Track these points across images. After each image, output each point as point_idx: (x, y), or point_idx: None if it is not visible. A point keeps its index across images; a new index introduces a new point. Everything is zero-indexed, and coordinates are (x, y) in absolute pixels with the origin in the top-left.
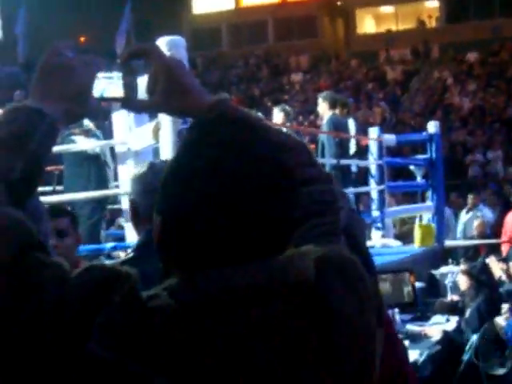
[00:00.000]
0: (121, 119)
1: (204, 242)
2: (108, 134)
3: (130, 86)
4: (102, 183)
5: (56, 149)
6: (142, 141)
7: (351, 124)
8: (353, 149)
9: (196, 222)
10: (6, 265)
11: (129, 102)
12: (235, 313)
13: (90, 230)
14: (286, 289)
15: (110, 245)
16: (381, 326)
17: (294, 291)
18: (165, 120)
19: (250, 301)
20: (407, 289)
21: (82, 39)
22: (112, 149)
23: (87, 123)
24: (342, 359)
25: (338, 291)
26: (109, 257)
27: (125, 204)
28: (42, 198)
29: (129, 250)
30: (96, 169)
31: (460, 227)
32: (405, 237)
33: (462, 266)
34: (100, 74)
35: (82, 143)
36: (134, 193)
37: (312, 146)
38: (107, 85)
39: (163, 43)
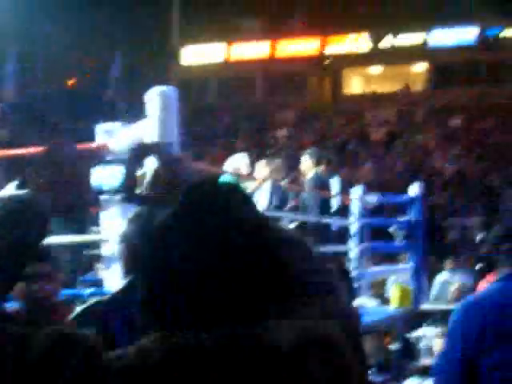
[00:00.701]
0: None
1: (187, 304)
2: None
3: (130, 180)
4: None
5: None
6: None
7: (335, 182)
8: (335, 207)
9: (180, 286)
10: None
11: (128, 195)
12: (203, 376)
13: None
14: (258, 356)
15: (88, 291)
16: None
17: (266, 359)
18: (152, 169)
19: (219, 365)
20: (383, 350)
21: (71, 82)
22: None
23: None
24: None
25: (313, 365)
26: (84, 302)
27: (105, 250)
28: None
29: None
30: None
31: (435, 290)
32: (381, 298)
33: (440, 329)
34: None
35: None
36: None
37: (294, 203)
38: (106, 177)
39: (155, 93)
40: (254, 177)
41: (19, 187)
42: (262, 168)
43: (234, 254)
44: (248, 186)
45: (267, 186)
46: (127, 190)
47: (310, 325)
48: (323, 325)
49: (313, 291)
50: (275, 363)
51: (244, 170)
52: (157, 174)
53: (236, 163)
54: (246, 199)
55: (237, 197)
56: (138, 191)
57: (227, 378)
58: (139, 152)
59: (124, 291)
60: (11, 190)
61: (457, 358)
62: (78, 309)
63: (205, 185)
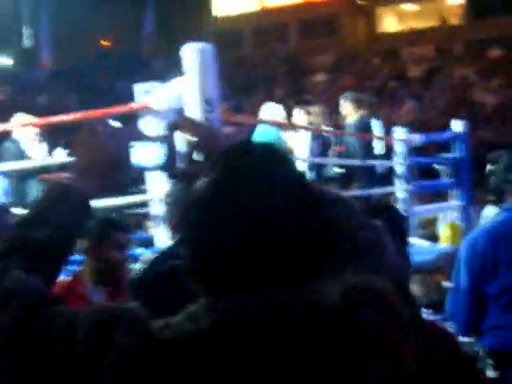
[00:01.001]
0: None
1: (233, 269)
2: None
3: (170, 156)
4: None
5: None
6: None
7: (376, 124)
8: (378, 149)
9: (227, 251)
10: (14, 324)
11: (170, 170)
12: (256, 339)
13: None
14: (310, 314)
15: (139, 250)
16: (414, 353)
17: (318, 316)
18: None
19: (272, 326)
20: (436, 289)
21: (104, 43)
22: None
23: None
24: (367, 380)
25: (364, 317)
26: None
27: (153, 208)
28: None
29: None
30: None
31: (484, 222)
32: (432, 237)
33: None
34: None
35: None
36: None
37: (338, 149)
38: (145, 153)
39: (192, 50)
40: (291, 124)
41: (68, 154)
42: (301, 115)
43: (279, 215)
44: (285, 134)
45: (307, 133)
46: (169, 167)
47: (359, 279)
48: (372, 278)
49: (360, 248)
50: (325, 320)
51: (279, 118)
52: (194, 148)
53: (270, 112)
54: (285, 159)
55: (274, 158)
56: (179, 167)
57: (278, 339)
58: (176, 127)
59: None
60: (60, 155)
61: (464, 283)
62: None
63: (240, 149)
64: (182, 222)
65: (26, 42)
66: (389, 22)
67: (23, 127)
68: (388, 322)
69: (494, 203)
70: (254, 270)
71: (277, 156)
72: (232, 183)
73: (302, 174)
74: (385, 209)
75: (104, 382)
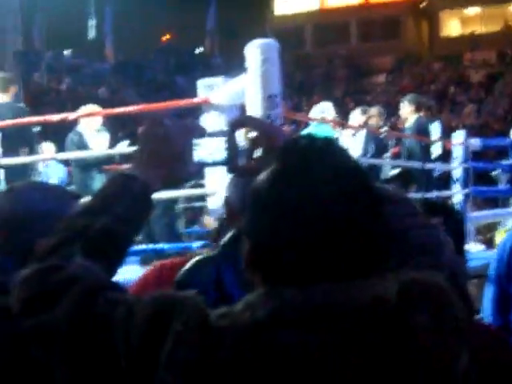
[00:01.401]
0: (211, 120)
1: (291, 263)
2: None
3: (232, 152)
4: None
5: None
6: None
7: (436, 127)
8: (436, 152)
9: (284, 243)
10: (75, 310)
11: (232, 166)
12: (310, 330)
13: (166, 229)
14: (364, 308)
15: (196, 244)
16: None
17: (373, 310)
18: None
19: (326, 318)
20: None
21: (165, 38)
22: None
23: None
24: (418, 378)
25: (419, 313)
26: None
27: (210, 202)
28: None
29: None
30: None
31: None
32: (489, 243)
33: None
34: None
35: None
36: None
37: (395, 151)
38: (209, 149)
39: (255, 46)
40: (345, 123)
41: (130, 145)
42: (358, 116)
43: (336, 209)
44: (338, 134)
45: (362, 134)
46: (230, 163)
47: (415, 275)
48: (428, 274)
49: (419, 246)
50: (378, 315)
51: (330, 116)
52: (255, 145)
53: (321, 111)
54: (343, 153)
55: (333, 152)
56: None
57: (330, 332)
58: (237, 124)
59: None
60: (122, 147)
61: (493, 280)
62: (188, 265)
63: (299, 143)
64: (243, 214)
65: (90, 34)
66: (451, 26)
67: (88, 117)
68: (443, 318)
69: None
70: (310, 263)
71: (335, 150)
72: (290, 176)
73: (361, 169)
74: (443, 208)
75: (162, 369)
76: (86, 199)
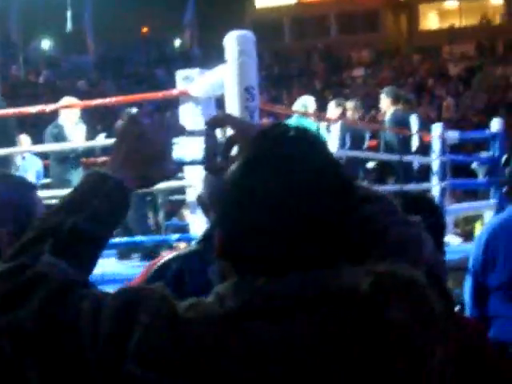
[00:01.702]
0: (188, 112)
1: (260, 250)
2: None
3: (211, 151)
4: None
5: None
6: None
7: (414, 120)
8: (415, 145)
9: (255, 232)
10: (42, 308)
11: (210, 165)
12: (279, 320)
13: (140, 221)
14: (335, 298)
15: (174, 236)
16: (443, 343)
17: (344, 301)
18: (233, 113)
19: (295, 308)
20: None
21: (145, 30)
22: None
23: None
24: (392, 372)
25: (394, 306)
26: (171, 248)
27: (189, 195)
28: None
29: (192, 242)
30: None
31: None
32: (468, 236)
33: None
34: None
35: None
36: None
37: (371, 143)
38: (187, 148)
39: (232, 38)
40: (324, 116)
41: (107, 137)
42: (333, 108)
43: (308, 197)
44: (317, 126)
45: (337, 126)
46: (208, 161)
47: (390, 268)
48: (403, 268)
49: (397, 244)
50: (351, 305)
51: (311, 110)
52: (232, 143)
53: (303, 104)
54: (318, 142)
55: (307, 140)
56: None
57: (301, 321)
58: (216, 122)
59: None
60: (101, 140)
61: (470, 273)
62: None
63: (271, 132)
64: (216, 203)
65: (69, 26)
66: (430, 19)
67: (66, 110)
68: (419, 313)
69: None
70: (282, 252)
71: (310, 138)
72: (260, 164)
73: (333, 158)
74: (423, 202)
75: (130, 361)
76: (62, 193)
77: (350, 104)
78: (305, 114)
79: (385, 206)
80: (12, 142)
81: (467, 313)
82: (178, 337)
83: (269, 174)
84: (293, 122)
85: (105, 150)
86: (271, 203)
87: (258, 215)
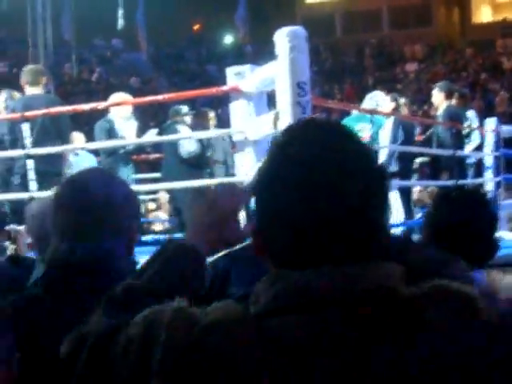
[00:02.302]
0: (240, 108)
1: (296, 243)
2: (222, 122)
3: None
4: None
5: (162, 138)
6: (260, 130)
7: (472, 115)
8: (476, 141)
9: (289, 223)
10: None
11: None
12: (311, 315)
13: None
14: (373, 296)
15: None
16: None
17: (383, 300)
18: (284, 108)
19: (329, 304)
20: None
21: (196, 27)
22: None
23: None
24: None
25: (438, 310)
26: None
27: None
28: (145, 186)
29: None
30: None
31: None
32: None
33: None
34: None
35: (186, 132)
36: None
37: (419, 138)
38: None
39: (283, 34)
40: (381, 111)
41: (159, 134)
42: (388, 102)
43: (343, 190)
44: (383, 123)
45: (390, 121)
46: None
47: (445, 283)
48: (457, 284)
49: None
50: (393, 306)
51: (383, 107)
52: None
53: (373, 100)
54: (353, 136)
55: (343, 133)
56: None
57: (334, 318)
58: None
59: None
60: (152, 137)
61: None
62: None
63: (306, 124)
64: (252, 195)
65: (121, 24)
66: (483, 13)
67: (118, 106)
68: (462, 326)
69: None
70: (317, 245)
71: (345, 131)
72: (296, 155)
73: (371, 154)
74: (476, 195)
75: (155, 380)
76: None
77: (402, 100)
78: (360, 110)
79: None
80: (65, 140)
81: None
82: (195, 346)
83: (301, 165)
84: (357, 117)
85: (156, 147)
86: (302, 194)
87: (289, 206)
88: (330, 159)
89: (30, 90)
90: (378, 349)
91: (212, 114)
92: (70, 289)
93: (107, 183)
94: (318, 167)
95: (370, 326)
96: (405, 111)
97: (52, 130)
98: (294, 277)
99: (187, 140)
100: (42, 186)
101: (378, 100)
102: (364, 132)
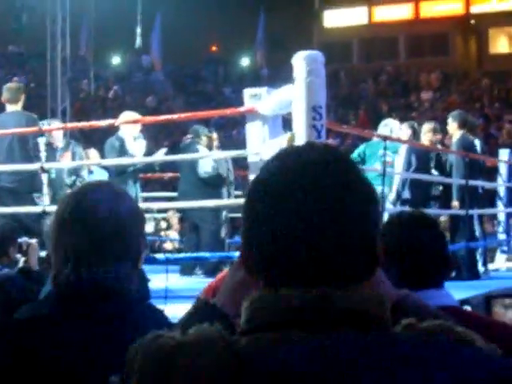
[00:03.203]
0: (255, 130)
1: (283, 264)
2: (237, 144)
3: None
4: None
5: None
6: (274, 152)
7: (478, 144)
8: (482, 169)
9: (280, 247)
10: None
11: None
12: (280, 335)
13: (213, 236)
14: (352, 319)
15: (237, 253)
16: None
17: (361, 322)
18: (299, 131)
19: (293, 324)
20: None
21: (214, 48)
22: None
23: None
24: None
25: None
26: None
27: None
28: (162, 204)
29: None
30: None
31: None
32: None
33: None
34: None
35: (205, 152)
36: None
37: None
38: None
39: (301, 58)
40: (394, 138)
41: (167, 153)
42: (406, 129)
43: (337, 211)
44: (397, 149)
45: (405, 148)
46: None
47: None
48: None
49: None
50: (367, 328)
51: (395, 133)
52: None
53: (388, 126)
54: (349, 164)
55: (337, 159)
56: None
57: (319, 341)
58: None
59: None
60: (160, 156)
61: None
62: None
63: (301, 148)
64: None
65: (138, 42)
66: (500, 44)
67: (129, 124)
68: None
69: None
70: (294, 265)
71: (340, 159)
72: (286, 172)
73: (360, 171)
74: (422, 218)
75: None
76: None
77: (427, 126)
78: (376, 136)
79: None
80: (31, 160)
81: None
82: (166, 371)
83: (287, 190)
84: (380, 142)
85: (168, 166)
86: (288, 219)
87: (282, 227)
88: (323, 181)
89: (9, 108)
90: (346, 374)
91: (215, 136)
92: (76, 314)
93: (115, 199)
94: (302, 182)
95: (338, 348)
96: (432, 138)
97: (16, 149)
98: (269, 297)
99: (205, 160)
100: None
101: (393, 127)
102: (387, 158)
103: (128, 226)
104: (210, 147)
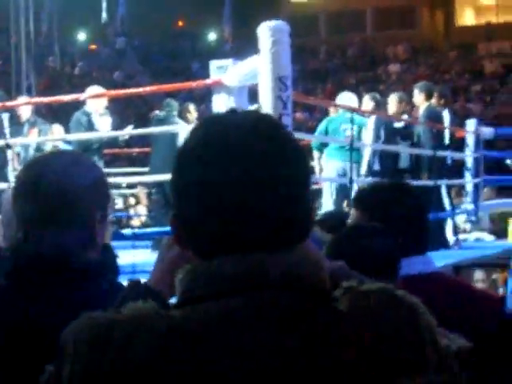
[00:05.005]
0: (221, 102)
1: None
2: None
3: None
4: None
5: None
6: (199, 120)
7: (446, 115)
8: (446, 140)
9: (209, 217)
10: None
11: None
12: (215, 304)
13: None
14: (283, 283)
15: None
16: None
17: (298, 285)
18: (265, 103)
19: (228, 292)
20: (499, 285)
21: (181, 23)
22: None
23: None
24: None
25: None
26: None
27: None
28: (133, 178)
29: None
30: None
31: None
32: (502, 233)
33: None
34: None
35: (183, 125)
36: None
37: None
38: None
39: (266, 28)
40: (362, 110)
41: (134, 128)
42: (367, 102)
43: (262, 176)
44: (364, 122)
45: (372, 120)
46: None
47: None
48: (391, 287)
49: None
50: (304, 294)
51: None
52: None
53: (345, 100)
54: (274, 127)
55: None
56: None
57: (241, 308)
58: None
59: None
60: (127, 131)
61: None
62: None
63: (220, 115)
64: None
65: (104, 17)
66: (467, 16)
67: (95, 99)
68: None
69: None
70: (229, 232)
71: (265, 120)
72: (210, 146)
73: (295, 142)
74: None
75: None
76: None
77: (392, 97)
78: (343, 107)
79: None
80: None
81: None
82: (102, 347)
83: (208, 159)
84: (340, 117)
85: (128, 143)
86: (207, 188)
87: (211, 195)
88: (250, 144)
89: None
90: (281, 337)
91: (193, 108)
92: (26, 281)
93: (68, 168)
94: (229, 148)
95: (273, 313)
96: (399, 109)
97: None
98: (202, 267)
99: (186, 133)
100: None
101: (351, 101)
102: (348, 132)
103: (80, 196)
104: (187, 120)
